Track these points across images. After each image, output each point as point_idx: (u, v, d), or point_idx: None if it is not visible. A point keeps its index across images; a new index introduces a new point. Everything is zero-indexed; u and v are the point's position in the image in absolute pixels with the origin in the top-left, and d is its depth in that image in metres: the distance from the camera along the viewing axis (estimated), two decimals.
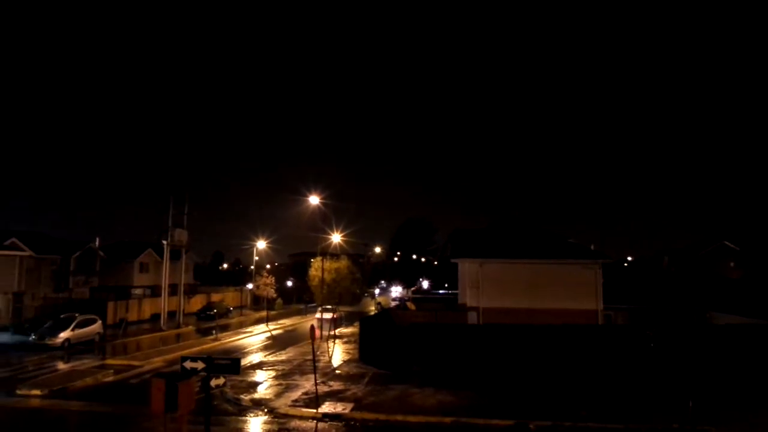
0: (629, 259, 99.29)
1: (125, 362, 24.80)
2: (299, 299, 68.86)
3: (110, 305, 40.94)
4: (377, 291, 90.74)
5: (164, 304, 40.35)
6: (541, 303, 28.07)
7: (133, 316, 43.34)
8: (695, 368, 18.99)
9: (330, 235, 39.93)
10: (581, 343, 20.77)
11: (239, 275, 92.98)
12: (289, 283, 72.78)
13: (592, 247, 36.91)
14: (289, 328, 42.66)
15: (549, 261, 29.29)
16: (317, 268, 36.27)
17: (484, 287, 29.70)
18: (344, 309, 47.20)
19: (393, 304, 60.41)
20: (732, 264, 45.33)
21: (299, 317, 52.07)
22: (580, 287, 28.45)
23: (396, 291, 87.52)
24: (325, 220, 38.20)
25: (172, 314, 42.44)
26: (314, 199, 34.12)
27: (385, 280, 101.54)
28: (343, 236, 42.02)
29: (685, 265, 51.61)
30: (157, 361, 25.23)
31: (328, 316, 35.31)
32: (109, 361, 24.96)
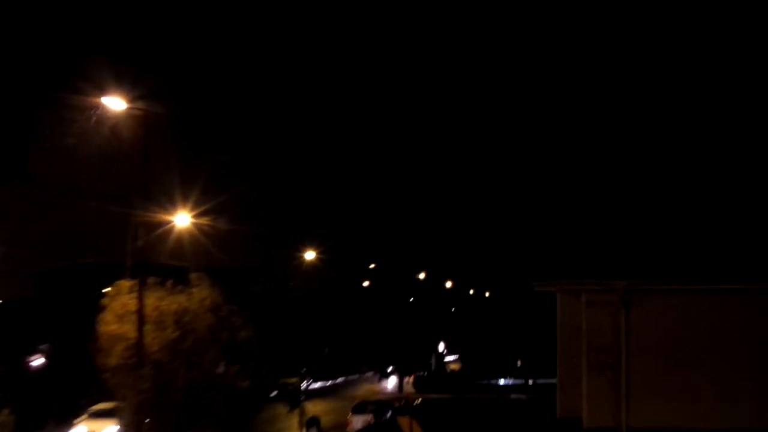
0: None
1: None
2: (73, 400, 43.03)
3: None
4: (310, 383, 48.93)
5: None
6: None
7: None
8: None
9: (170, 214, 20.92)
10: None
11: None
12: (38, 362, 48.68)
13: None
14: None
15: None
16: (122, 306, 18.19)
17: (634, 366, 17.11)
18: None
19: (358, 421, 33.64)
20: None
21: None
22: None
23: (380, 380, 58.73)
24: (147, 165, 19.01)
25: None
26: (115, 102, 17.16)
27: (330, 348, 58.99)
28: (194, 216, 22.54)
29: None
30: None
31: None
32: None
